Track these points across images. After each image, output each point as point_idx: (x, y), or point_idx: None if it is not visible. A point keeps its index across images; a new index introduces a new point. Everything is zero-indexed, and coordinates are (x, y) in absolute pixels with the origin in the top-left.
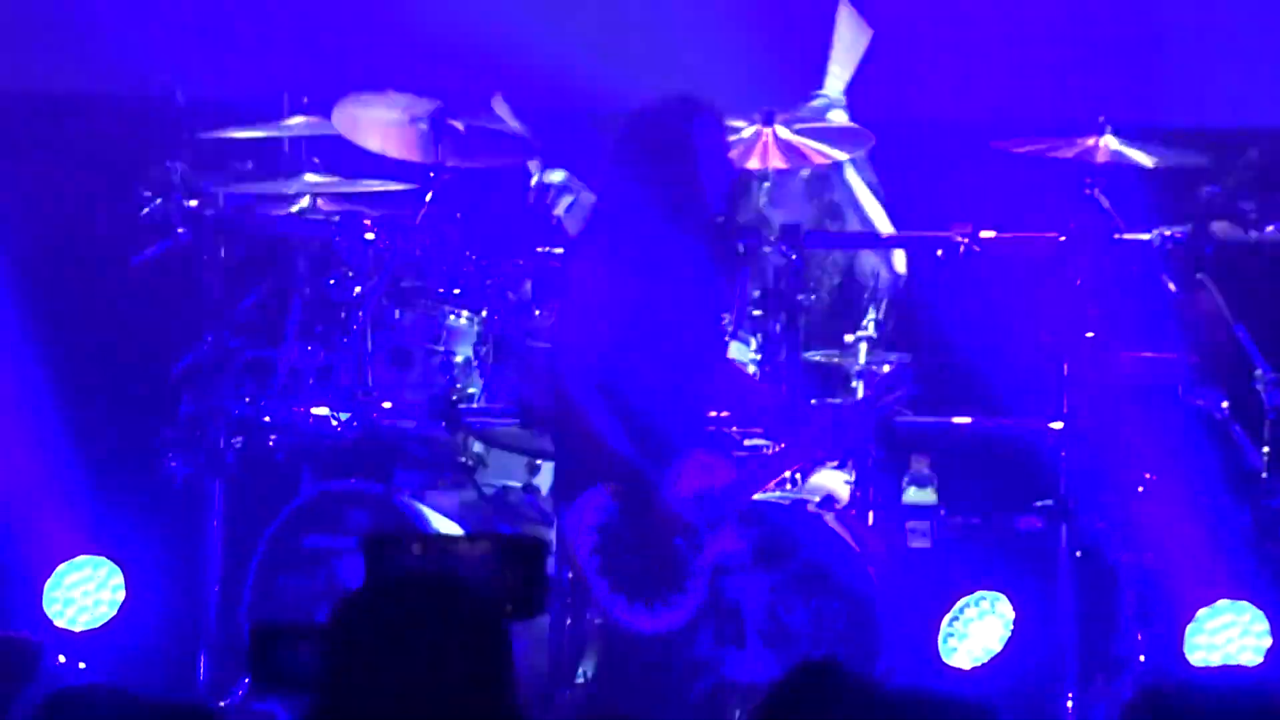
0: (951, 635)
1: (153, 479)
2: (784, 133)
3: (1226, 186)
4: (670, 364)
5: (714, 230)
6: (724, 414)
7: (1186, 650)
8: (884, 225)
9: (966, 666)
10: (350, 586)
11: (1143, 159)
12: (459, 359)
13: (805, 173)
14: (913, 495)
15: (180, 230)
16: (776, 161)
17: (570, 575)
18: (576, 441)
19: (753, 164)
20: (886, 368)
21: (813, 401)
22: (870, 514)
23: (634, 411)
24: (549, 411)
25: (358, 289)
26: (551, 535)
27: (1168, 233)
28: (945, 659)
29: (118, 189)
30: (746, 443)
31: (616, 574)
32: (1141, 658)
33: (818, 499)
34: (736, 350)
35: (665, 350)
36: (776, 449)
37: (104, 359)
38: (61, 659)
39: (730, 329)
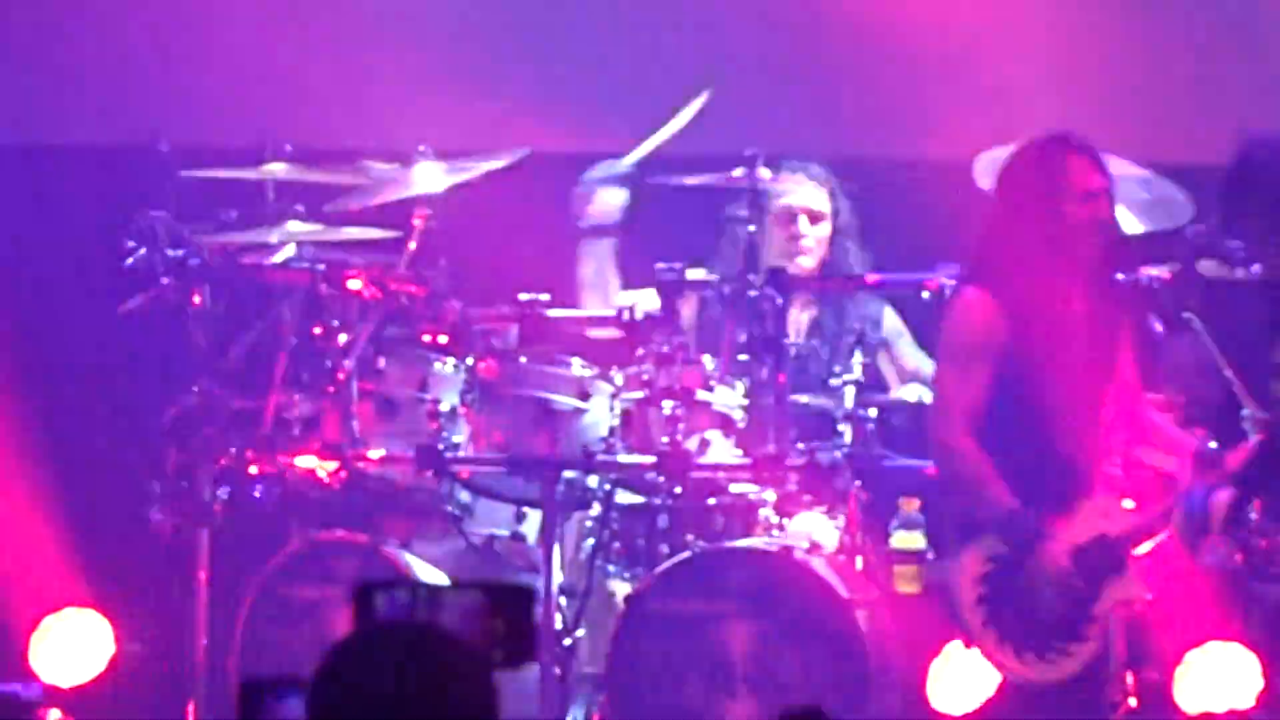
0: (941, 681)
1: (139, 530)
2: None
3: (1213, 225)
4: (1059, 406)
5: (1094, 270)
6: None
7: (1176, 694)
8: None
9: (956, 713)
10: (338, 637)
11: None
12: (445, 407)
13: None
14: (901, 539)
15: (165, 280)
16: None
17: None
18: (953, 494)
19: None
20: (873, 411)
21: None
22: (858, 558)
23: (1015, 459)
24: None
25: (343, 337)
26: (538, 583)
27: (1154, 272)
28: (934, 705)
29: (102, 238)
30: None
31: (1003, 624)
32: (1132, 701)
33: (805, 544)
34: (723, 395)
35: (1053, 392)
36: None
37: (89, 409)
38: (52, 714)
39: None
